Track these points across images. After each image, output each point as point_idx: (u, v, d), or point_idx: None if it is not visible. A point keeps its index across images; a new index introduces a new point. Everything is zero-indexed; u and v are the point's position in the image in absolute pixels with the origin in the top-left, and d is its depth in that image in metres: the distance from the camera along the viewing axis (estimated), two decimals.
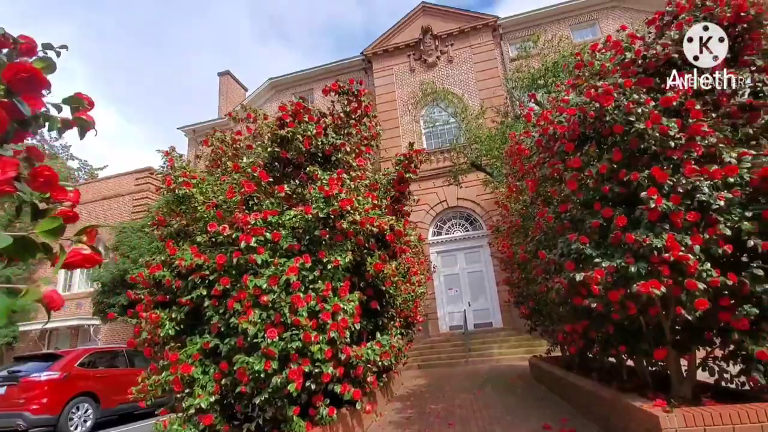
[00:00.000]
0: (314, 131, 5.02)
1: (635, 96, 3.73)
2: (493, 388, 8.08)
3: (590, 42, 8.19)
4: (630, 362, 5.55)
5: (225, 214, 4.84)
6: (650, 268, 3.47)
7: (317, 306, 3.99)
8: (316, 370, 3.90)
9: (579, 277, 3.80)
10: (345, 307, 4.01)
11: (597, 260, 3.73)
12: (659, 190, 3.48)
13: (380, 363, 4.82)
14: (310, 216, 4.38)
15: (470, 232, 15.90)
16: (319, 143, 5.12)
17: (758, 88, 3.78)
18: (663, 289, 3.34)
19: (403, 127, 17.34)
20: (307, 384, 3.95)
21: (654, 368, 5.15)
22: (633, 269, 3.45)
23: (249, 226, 4.21)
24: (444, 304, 15.31)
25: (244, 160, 5.36)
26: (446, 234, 16.12)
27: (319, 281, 4.15)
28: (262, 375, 3.67)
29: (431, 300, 15.07)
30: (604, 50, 4.83)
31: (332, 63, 19.58)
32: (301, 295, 3.96)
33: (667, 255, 3.37)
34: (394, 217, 4.95)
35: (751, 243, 3.43)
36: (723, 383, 4.08)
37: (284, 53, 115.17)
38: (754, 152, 3.56)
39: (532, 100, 10.22)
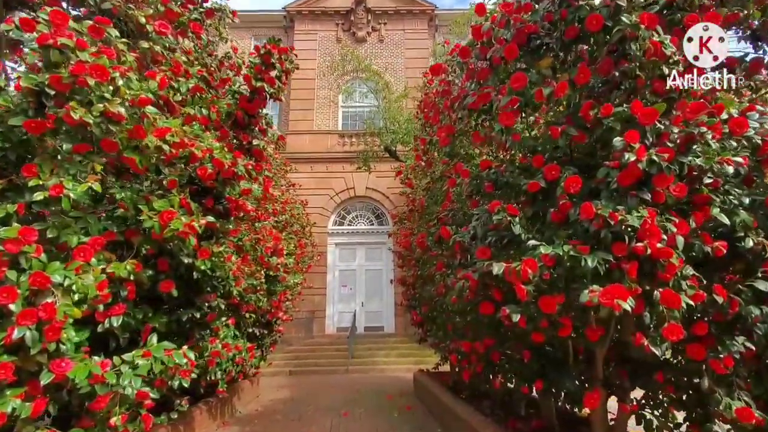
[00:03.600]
0: None
1: None
2: (366, 408, 6.53)
3: None
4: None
5: None
6: (612, 263, 2.08)
7: None
8: None
9: (497, 269, 2.32)
10: (64, 282, 2.03)
11: (531, 244, 2.27)
12: (642, 137, 2.12)
13: (177, 381, 2.89)
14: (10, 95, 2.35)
15: (375, 226, 14.45)
16: None
17: None
18: (630, 301, 1.96)
19: (318, 101, 15.35)
20: None
21: (565, 404, 3.96)
22: (589, 262, 2.03)
23: None
24: (335, 302, 13.60)
25: None
26: (349, 225, 14.46)
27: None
28: None
29: (320, 296, 13.26)
30: None
31: (247, 11, 16.85)
32: None
33: (640, 246, 2.01)
34: (221, 146, 3.02)
35: (749, 243, 2.22)
36: None
37: None
38: (762, 107, 2.39)
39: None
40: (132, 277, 2.53)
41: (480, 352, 3.54)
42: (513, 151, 3.08)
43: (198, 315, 3.48)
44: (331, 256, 13.91)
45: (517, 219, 2.46)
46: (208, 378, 4.29)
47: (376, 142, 12.77)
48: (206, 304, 3.53)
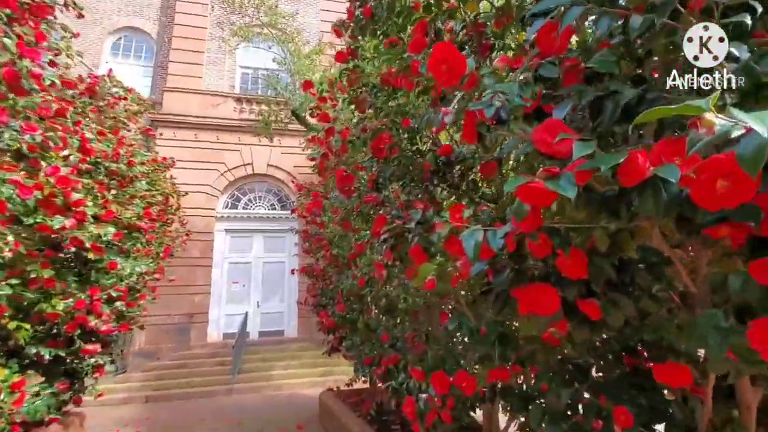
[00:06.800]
0: None
1: None
2: None
3: None
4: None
5: None
6: None
7: None
8: None
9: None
10: None
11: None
12: None
13: None
14: None
15: (278, 211, 12.06)
16: None
17: None
18: None
19: (210, 55, 12.43)
20: None
21: None
22: None
23: None
24: (222, 303, 10.93)
25: None
26: (244, 209, 11.86)
27: None
28: None
29: (202, 295, 10.51)
30: None
31: None
32: None
33: None
34: None
35: None
36: None
37: None
38: None
39: None
40: None
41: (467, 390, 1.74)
42: None
43: None
44: (219, 246, 11.19)
45: None
46: None
47: (282, 107, 10.47)
48: None
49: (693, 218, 0.88)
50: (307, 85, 3.30)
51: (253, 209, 11.92)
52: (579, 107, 1.14)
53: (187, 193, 9.10)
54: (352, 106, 3.27)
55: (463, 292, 2.26)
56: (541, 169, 0.89)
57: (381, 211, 2.29)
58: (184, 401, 7.71)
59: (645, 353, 1.75)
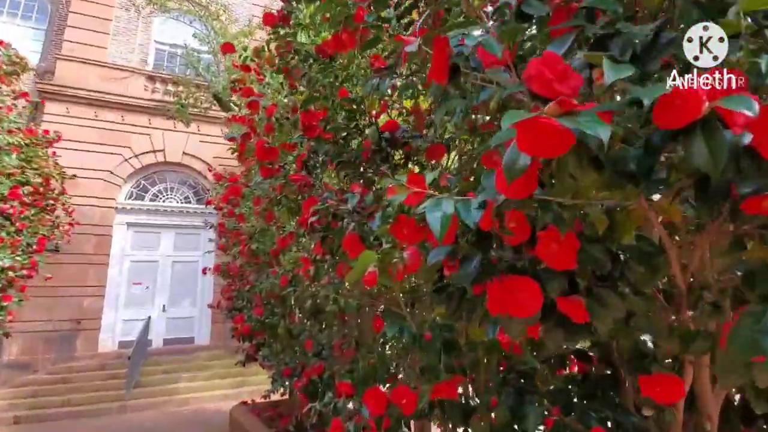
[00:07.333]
0: None
1: None
2: None
3: None
4: None
5: None
6: None
7: None
8: None
9: None
10: None
11: None
12: None
13: None
14: None
15: (193, 205, 10.95)
16: None
17: None
18: None
19: (119, 24, 10.94)
20: None
21: None
22: None
23: None
24: (120, 306, 9.57)
25: None
26: (153, 200, 10.58)
27: None
28: None
29: (94, 297, 9.10)
30: None
31: None
32: None
33: None
34: None
35: None
36: None
37: None
38: None
39: None
40: None
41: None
42: None
43: None
44: (119, 241, 9.82)
45: None
46: None
47: (203, 91, 9.51)
48: None
49: (730, 186, 0.67)
50: (228, 47, 2.81)
51: (163, 201, 10.67)
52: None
53: (75, 176, 7.83)
54: (281, 79, 2.86)
55: (401, 294, 1.98)
56: (552, 102, 0.62)
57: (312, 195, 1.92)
58: (64, 422, 6.50)
59: (598, 359, 1.60)
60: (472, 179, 1.15)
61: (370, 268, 1.20)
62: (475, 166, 1.50)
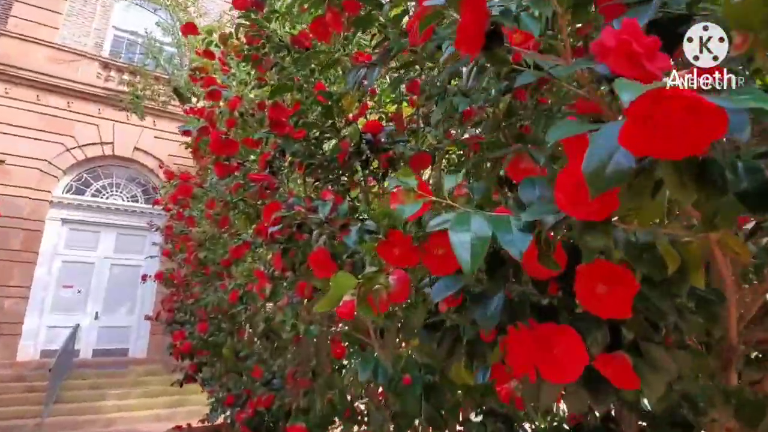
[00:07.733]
0: None
1: None
2: None
3: None
4: None
5: None
6: None
7: None
8: None
9: None
10: None
11: None
12: None
13: None
14: None
15: (141, 204, 10.13)
16: None
17: None
18: None
19: (74, 4, 10.11)
20: None
21: None
22: None
23: None
24: (45, 310, 8.56)
25: None
26: (94, 196, 9.68)
27: None
28: None
29: (16, 299, 8.09)
30: None
31: None
32: None
33: None
34: None
35: None
36: None
37: None
38: None
39: None
40: None
41: None
42: None
43: None
44: (51, 239, 8.85)
45: None
46: None
47: (162, 84, 8.92)
48: None
49: None
50: (190, 28, 2.48)
51: (106, 198, 9.80)
52: None
53: (3, 161, 6.98)
54: (249, 69, 2.56)
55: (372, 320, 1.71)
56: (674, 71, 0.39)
57: (273, 199, 1.63)
58: None
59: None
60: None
61: (347, 296, 0.93)
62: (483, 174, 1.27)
